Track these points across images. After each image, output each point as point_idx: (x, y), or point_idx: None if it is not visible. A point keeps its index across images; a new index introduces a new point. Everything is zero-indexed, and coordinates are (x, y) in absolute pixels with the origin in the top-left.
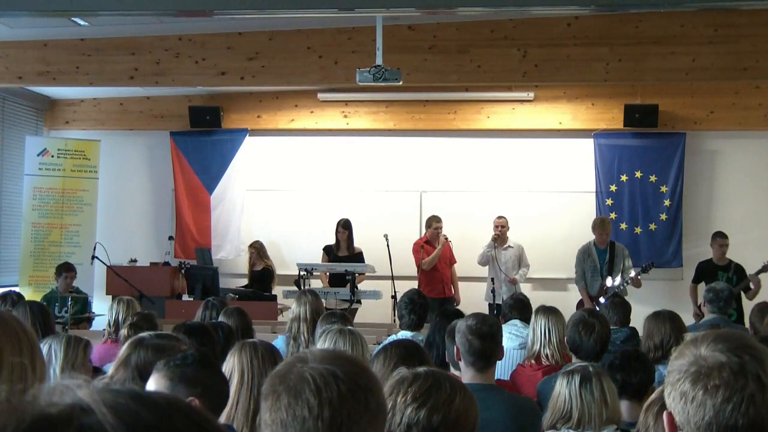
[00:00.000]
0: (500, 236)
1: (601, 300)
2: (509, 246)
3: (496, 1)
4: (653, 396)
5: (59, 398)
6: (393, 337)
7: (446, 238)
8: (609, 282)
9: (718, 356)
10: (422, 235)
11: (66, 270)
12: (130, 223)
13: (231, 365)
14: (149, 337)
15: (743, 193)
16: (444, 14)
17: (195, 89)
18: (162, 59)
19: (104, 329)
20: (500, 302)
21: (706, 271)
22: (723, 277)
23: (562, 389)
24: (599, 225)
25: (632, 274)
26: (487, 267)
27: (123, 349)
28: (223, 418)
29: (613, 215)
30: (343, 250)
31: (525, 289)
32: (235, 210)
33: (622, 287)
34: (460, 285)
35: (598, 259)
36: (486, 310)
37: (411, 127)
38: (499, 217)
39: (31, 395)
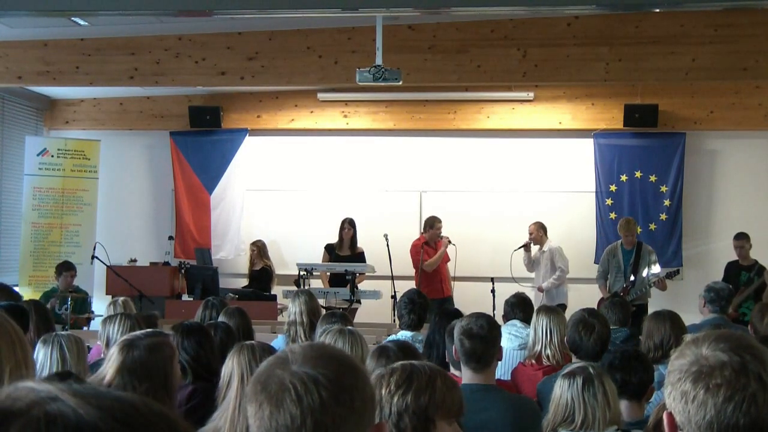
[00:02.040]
0: (531, 242)
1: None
2: (543, 250)
3: (496, 0)
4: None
5: (19, 394)
6: (393, 337)
7: (450, 241)
8: (633, 278)
9: (719, 355)
10: (420, 235)
11: (66, 269)
12: (130, 223)
13: (230, 368)
14: (140, 337)
15: (743, 193)
16: (444, 14)
17: (195, 89)
18: (162, 59)
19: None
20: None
21: (730, 272)
22: (745, 277)
23: (564, 392)
24: (623, 226)
25: (655, 269)
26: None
27: (114, 353)
28: (226, 423)
29: (612, 215)
30: (345, 249)
31: (525, 288)
32: (235, 210)
33: (644, 289)
34: (460, 285)
35: (622, 259)
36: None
37: (411, 127)
38: (531, 224)
39: None
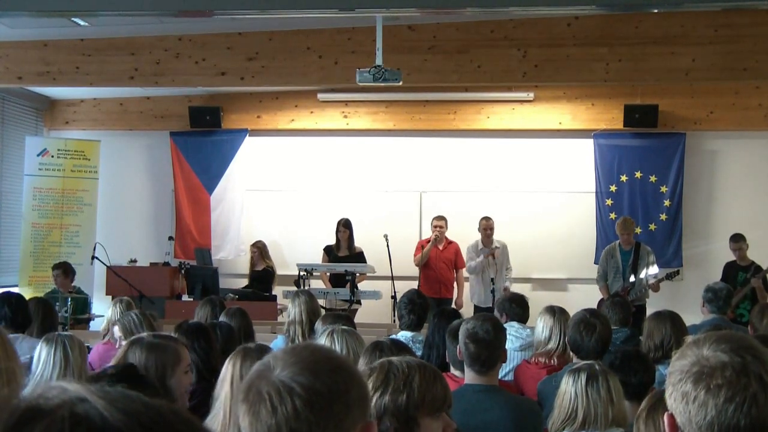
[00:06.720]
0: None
1: None
2: (495, 246)
3: (497, 1)
4: (644, 404)
5: (50, 393)
6: (392, 338)
7: (445, 240)
8: (632, 278)
9: (720, 356)
10: (425, 234)
11: (54, 268)
12: (130, 223)
13: (224, 371)
14: (147, 336)
15: (743, 193)
16: (444, 14)
17: (195, 89)
18: (162, 59)
19: (102, 329)
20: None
21: (728, 272)
22: (742, 278)
23: (568, 388)
24: (620, 225)
25: (653, 270)
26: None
27: (121, 349)
28: (218, 426)
29: (612, 215)
30: (343, 250)
31: (524, 289)
32: (235, 210)
33: (644, 290)
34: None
35: (621, 260)
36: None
37: (411, 127)
38: (486, 218)
39: (22, 394)
